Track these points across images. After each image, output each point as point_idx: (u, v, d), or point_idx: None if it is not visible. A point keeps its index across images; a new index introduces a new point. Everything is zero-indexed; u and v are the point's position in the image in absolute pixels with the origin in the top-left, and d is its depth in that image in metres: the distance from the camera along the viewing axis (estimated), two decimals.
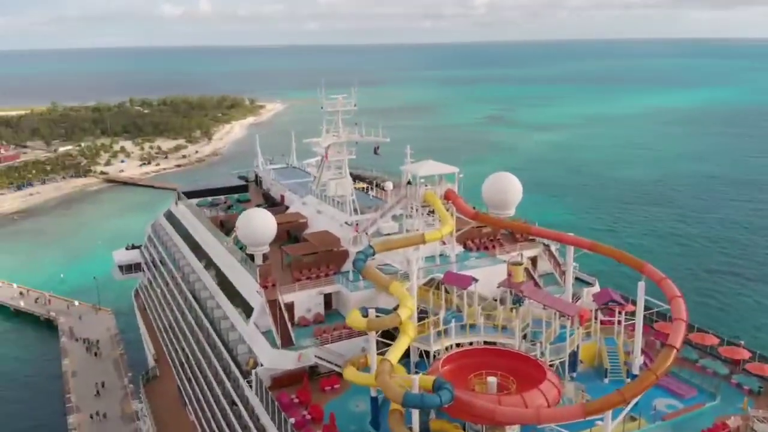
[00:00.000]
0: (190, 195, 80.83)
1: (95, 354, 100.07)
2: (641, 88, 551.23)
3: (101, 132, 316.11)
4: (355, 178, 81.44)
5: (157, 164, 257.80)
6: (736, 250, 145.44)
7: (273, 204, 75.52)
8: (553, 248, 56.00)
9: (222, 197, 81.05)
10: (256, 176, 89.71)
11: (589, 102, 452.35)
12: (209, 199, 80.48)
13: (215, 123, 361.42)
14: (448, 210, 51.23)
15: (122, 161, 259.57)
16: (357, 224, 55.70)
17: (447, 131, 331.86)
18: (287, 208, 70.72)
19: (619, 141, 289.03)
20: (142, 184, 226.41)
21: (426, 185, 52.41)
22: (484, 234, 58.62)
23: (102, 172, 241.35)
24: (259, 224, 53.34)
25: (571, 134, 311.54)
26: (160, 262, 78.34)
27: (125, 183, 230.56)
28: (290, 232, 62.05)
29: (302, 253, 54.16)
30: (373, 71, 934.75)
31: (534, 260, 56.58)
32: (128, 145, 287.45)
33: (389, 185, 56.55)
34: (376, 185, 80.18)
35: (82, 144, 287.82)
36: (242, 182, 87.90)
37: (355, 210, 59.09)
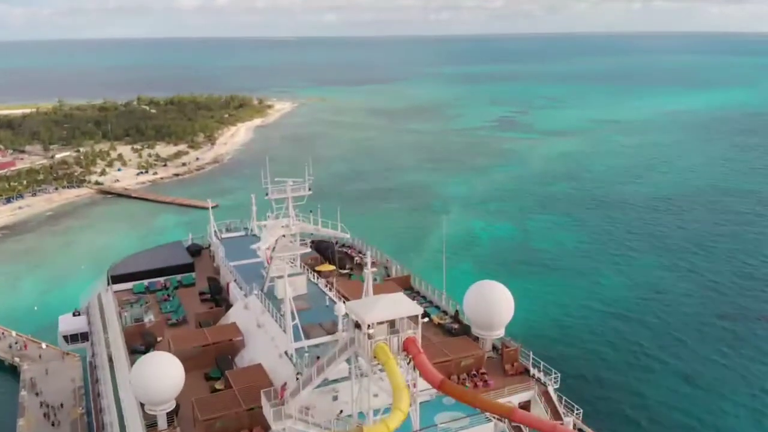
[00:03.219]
0: (121, 278, 67.56)
1: (53, 424, 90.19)
2: (661, 88, 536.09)
3: (102, 135, 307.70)
4: (321, 252, 69.50)
5: (155, 173, 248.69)
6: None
7: (216, 296, 62.31)
8: (551, 390, 44.90)
9: (161, 279, 67.80)
10: (210, 247, 76.44)
11: (605, 104, 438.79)
12: (145, 282, 67.16)
13: (220, 125, 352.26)
14: (409, 363, 38.12)
15: (119, 170, 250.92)
16: (285, 385, 41.65)
17: (455, 137, 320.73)
18: (229, 306, 58.22)
19: (637, 150, 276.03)
20: (136, 197, 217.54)
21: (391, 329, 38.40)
22: (464, 368, 46.81)
23: (97, 182, 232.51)
24: (156, 376, 40.77)
25: (586, 141, 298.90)
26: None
27: (119, 195, 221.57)
28: (218, 360, 48.93)
29: (214, 415, 40.55)
30: (387, 66, 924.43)
31: (527, 406, 45.53)
32: (127, 151, 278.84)
33: (340, 309, 42.24)
34: (351, 258, 68.37)
35: (81, 149, 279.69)
36: (188, 259, 72.56)
37: (303, 332, 45.35)
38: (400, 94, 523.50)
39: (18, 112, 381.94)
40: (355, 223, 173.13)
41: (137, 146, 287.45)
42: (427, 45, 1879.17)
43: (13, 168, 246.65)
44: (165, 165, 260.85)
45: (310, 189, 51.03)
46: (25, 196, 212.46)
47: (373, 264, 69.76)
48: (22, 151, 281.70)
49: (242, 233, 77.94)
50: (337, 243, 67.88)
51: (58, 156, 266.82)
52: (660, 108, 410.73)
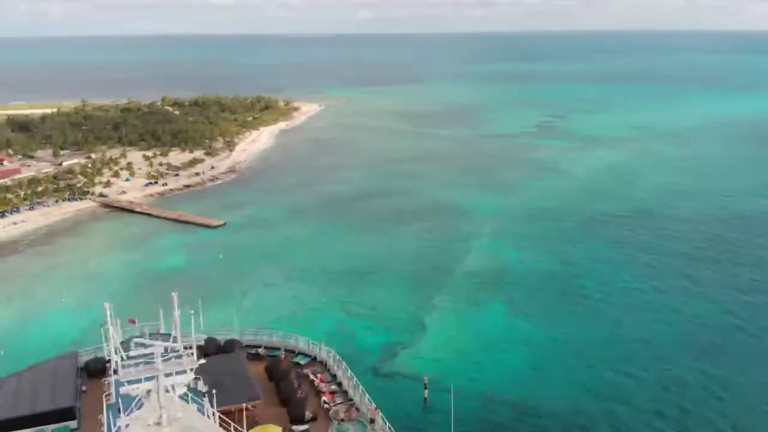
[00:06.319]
0: None
1: None
2: (710, 91, 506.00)
3: (117, 140, 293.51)
4: (272, 376, 46.49)
5: (164, 184, 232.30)
6: None
7: None
8: None
9: None
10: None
11: (651, 108, 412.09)
12: None
13: (242, 129, 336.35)
14: None
15: (127, 179, 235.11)
16: None
17: (488, 145, 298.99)
18: None
19: (689, 164, 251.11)
20: (140, 212, 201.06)
21: None
22: None
23: (101, 194, 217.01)
24: None
25: (632, 151, 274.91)
26: None
27: (123, 209, 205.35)
28: None
29: None
30: (420, 65, 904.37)
31: None
32: (138, 158, 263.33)
33: None
34: (316, 392, 46.09)
35: (93, 155, 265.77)
36: (69, 400, 48.26)
37: None
38: (432, 96, 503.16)
39: (39, 112, 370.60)
40: (360, 253, 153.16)
41: (149, 153, 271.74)
42: (462, 42, 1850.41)
43: (17, 176, 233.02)
44: (177, 175, 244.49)
45: (200, 357, 29.94)
46: (22, 209, 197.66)
47: (348, 416, 49.14)
48: (32, 157, 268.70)
49: (160, 344, 41.29)
50: (287, 357, 42.98)
51: (66, 164, 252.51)
52: (710, 113, 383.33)
